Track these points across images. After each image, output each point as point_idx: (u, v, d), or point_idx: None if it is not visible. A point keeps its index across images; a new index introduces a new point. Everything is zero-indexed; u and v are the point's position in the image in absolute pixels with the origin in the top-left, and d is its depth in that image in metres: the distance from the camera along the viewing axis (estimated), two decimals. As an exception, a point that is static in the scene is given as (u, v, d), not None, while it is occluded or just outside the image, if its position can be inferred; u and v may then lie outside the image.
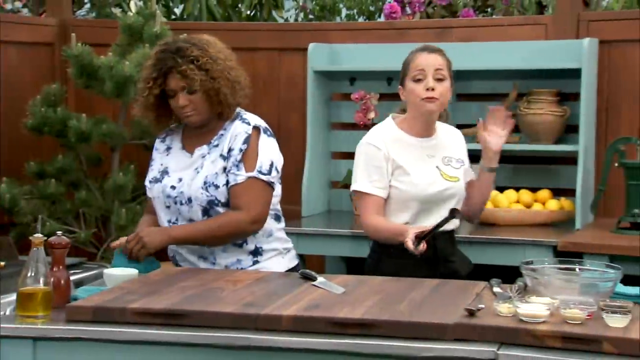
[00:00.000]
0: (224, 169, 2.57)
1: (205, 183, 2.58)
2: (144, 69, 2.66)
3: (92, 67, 3.93)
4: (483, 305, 2.02)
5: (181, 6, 5.19)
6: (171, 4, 5.19)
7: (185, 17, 5.07)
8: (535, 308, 1.94)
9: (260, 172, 2.56)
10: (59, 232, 2.26)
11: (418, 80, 2.71)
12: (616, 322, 1.89)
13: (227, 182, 2.56)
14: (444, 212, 2.63)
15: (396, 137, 2.76)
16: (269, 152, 2.60)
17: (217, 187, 2.57)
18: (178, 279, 2.36)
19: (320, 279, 2.32)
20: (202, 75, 2.55)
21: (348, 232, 3.69)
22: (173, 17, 5.15)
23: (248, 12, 5.15)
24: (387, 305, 2.08)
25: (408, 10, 4.51)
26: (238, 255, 2.62)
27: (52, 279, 2.13)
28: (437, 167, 2.76)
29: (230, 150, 2.58)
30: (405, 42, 4.13)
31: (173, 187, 2.61)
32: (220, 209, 2.57)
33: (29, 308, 2.08)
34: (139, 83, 2.67)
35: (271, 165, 2.59)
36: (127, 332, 2.02)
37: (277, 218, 2.70)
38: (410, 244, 2.52)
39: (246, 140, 2.58)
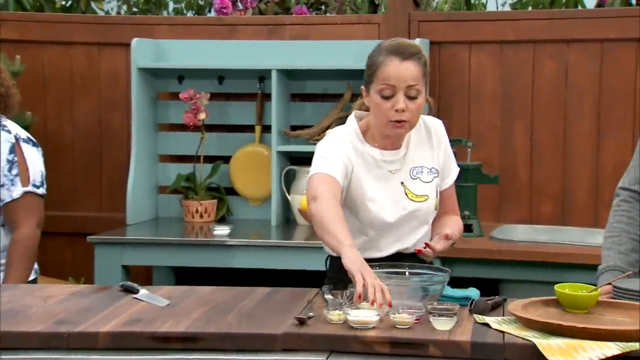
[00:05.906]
0: None
1: None
2: None
3: None
4: (313, 314, 2.06)
5: (-16, -7, 4.92)
6: (-29, -9, 4.90)
7: (-11, 6, 4.81)
8: (365, 314, 2.00)
9: (34, 185, 2.58)
10: None
11: (386, 98, 2.30)
12: (442, 326, 1.98)
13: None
14: (406, 232, 2.37)
15: (361, 150, 2.36)
16: (37, 163, 2.61)
17: None
18: (-18, 296, 2.24)
19: (143, 291, 2.29)
20: None
21: (177, 239, 3.65)
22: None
23: (63, 3, 4.96)
24: (214, 317, 2.07)
25: (240, 5, 4.53)
26: None
27: None
28: (402, 183, 2.37)
29: None
30: (237, 39, 4.15)
31: None
32: None
33: None
34: None
35: (42, 176, 2.62)
36: None
37: None
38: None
39: (12, 151, 2.57)
